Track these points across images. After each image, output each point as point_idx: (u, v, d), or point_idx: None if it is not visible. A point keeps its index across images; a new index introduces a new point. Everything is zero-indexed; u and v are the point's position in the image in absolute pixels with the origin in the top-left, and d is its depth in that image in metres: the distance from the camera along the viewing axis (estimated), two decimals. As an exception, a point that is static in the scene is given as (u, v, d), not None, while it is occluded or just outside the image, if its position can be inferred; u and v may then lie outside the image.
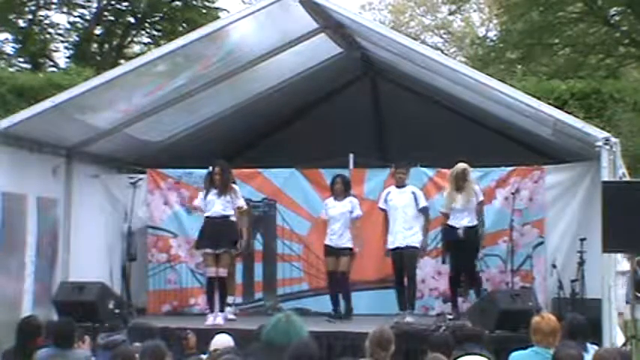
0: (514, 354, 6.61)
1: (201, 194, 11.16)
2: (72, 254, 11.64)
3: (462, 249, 10.97)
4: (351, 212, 11.29)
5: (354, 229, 11.31)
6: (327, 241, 11.35)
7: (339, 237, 11.23)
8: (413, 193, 11.11)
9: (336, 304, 11.32)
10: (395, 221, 11.03)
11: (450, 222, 11.02)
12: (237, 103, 12.82)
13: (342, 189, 11.36)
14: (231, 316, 11.13)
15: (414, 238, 11.01)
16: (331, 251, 11.30)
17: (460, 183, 10.91)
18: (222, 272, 11.02)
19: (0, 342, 8.29)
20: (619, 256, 10.07)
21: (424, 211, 11.13)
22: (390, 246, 11.05)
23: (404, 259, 11.00)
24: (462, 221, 10.91)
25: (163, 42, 22.45)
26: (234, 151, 13.85)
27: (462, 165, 10.94)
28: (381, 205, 11.21)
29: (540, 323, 6.48)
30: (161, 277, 12.27)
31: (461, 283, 11.25)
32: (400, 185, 11.16)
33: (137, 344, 6.81)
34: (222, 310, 10.96)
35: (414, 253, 11.06)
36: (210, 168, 11.16)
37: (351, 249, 11.26)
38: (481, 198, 11.07)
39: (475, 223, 10.99)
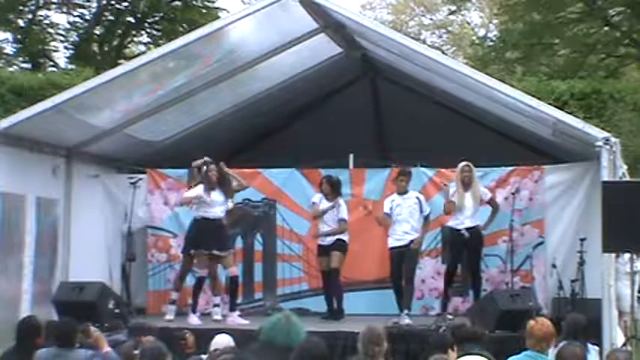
0: None
1: (197, 188, 11.11)
2: (72, 254, 11.64)
3: (468, 250, 11.00)
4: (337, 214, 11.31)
5: (338, 229, 11.28)
6: (319, 241, 11.39)
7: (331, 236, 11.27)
8: (417, 198, 11.14)
9: (330, 304, 11.32)
10: (400, 227, 11.03)
11: (452, 224, 11.03)
12: (237, 103, 12.82)
13: (329, 190, 11.34)
14: (218, 317, 11.13)
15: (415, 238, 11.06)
16: (323, 250, 11.32)
17: (466, 181, 10.95)
18: (234, 271, 11.15)
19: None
20: (626, 256, 10.06)
21: (427, 217, 11.17)
22: (392, 244, 11.05)
23: (405, 258, 10.99)
24: (465, 221, 10.92)
25: (163, 42, 22.45)
26: (234, 151, 13.84)
27: (464, 162, 10.99)
28: (387, 210, 11.14)
29: (534, 328, 6.44)
30: (161, 277, 12.27)
31: (453, 282, 11.30)
32: (402, 192, 11.15)
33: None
34: (232, 310, 11.07)
35: (416, 252, 11.09)
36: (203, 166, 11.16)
37: (342, 240, 11.23)
38: (490, 195, 11.14)
39: (476, 223, 11.00)
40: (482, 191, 11.11)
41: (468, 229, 10.92)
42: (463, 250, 11.06)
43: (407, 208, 11.04)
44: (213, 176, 11.04)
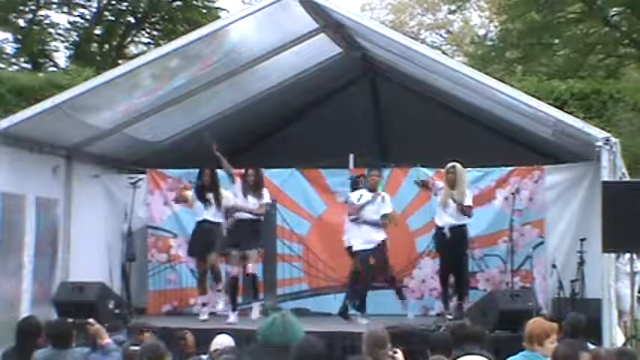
0: None
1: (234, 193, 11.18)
2: (72, 254, 11.64)
3: (449, 249, 10.96)
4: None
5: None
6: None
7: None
8: (383, 198, 11.02)
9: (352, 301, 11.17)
10: (365, 229, 10.94)
11: (437, 221, 11.01)
12: (237, 103, 12.82)
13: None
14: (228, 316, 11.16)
15: (380, 236, 10.97)
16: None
17: (450, 183, 10.90)
18: (252, 268, 11.08)
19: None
20: (626, 256, 10.06)
21: (384, 217, 10.97)
22: (358, 247, 10.98)
23: (375, 260, 10.92)
24: (445, 219, 10.89)
25: (163, 42, 22.46)
26: (234, 151, 13.82)
27: (450, 164, 10.95)
28: (354, 200, 11.02)
29: (527, 327, 6.50)
30: (161, 277, 12.28)
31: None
32: (373, 189, 11.07)
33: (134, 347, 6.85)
34: (234, 309, 11.05)
35: (385, 248, 10.98)
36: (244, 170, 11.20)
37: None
38: (468, 204, 10.97)
39: (461, 222, 10.93)
40: (466, 195, 10.99)
41: (450, 228, 10.90)
42: (447, 248, 11.03)
43: (376, 208, 10.92)
44: (251, 180, 11.05)
